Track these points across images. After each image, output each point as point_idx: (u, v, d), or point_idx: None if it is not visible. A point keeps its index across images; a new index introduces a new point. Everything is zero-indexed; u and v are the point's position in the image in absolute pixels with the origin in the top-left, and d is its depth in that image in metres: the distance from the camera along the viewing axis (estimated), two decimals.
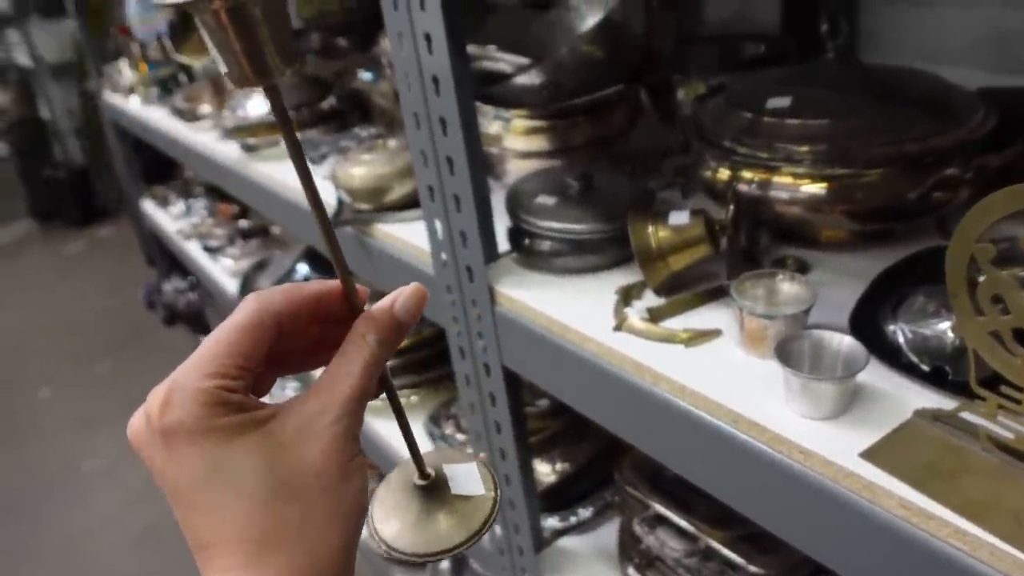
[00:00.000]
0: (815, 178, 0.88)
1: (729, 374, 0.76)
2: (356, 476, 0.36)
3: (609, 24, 1.18)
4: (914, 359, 0.74)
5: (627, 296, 0.89)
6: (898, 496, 0.62)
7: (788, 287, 0.80)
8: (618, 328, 0.84)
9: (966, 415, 0.66)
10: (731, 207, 0.86)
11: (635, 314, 0.85)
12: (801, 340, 0.72)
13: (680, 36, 1.47)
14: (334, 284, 0.39)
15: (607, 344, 0.82)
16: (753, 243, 0.92)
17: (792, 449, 0.67)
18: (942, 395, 0.70)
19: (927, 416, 0.68)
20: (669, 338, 0.81)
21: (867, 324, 0.79)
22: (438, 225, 1.01)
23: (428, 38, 0.92)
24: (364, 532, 0.39)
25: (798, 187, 0.88)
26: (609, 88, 1.18)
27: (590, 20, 1.32)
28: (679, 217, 0.87)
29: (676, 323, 0.84)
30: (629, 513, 1.08)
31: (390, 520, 0.42)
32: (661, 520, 1.02)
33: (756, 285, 0.80)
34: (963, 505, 0.60)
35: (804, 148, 0.88)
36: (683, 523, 0.99)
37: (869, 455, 0.66)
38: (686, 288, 0.89)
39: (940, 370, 0.72)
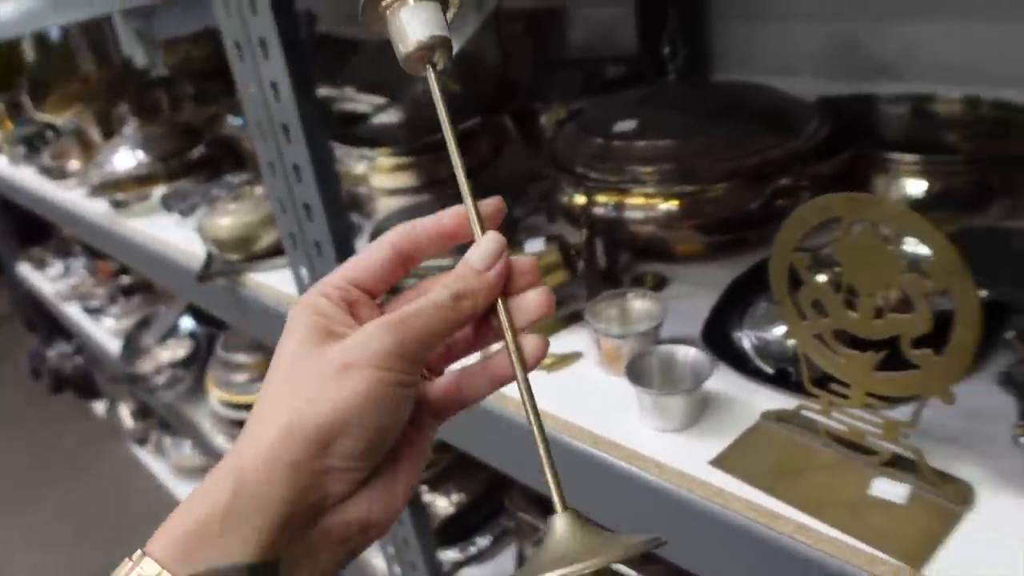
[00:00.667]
0: (664, 197, 0.91)
1: (589, 395, 0.78)
2: (354, 381, 0.34)
3: (463, 57, 1.20)
4: (760, 364, 0.77)
5: None
6: (745, 499, 0.64)
7: (640, 305, 0.82)
8: None
9: (806, 413, 0.69)
10: (584, 231, 0.89)
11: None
12: (651, 356, 0.75)
13: (541, 62, 1.51)
14: (454, 213, 0.40)
15: None
16: (612, 263, 0.95)
17: (648, 464, 0.69)
18: (787, 396, 0.73)
19: (772, 417, 0.71)
20: None
21: (718, 333, 0.82)
22: (303, 272, 1.00)
23: (275, 86, 0.92)
24: None
25: (649, 207, 0.92)
26: (469, 120, 1.20)
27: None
28: (534, 245, 0.89)
29: None
30: (524, 538, 1.09)
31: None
32: None
33: (610, 306, 0.82)
34: (805, 501, 0.63)
35: (651, 169, 0.92)
36: None
37: (719, 462, 0.68)
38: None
39: (784, 372, 0.76)
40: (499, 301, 0.38)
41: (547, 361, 0.82)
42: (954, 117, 1.09)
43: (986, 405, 0.66)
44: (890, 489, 0.64)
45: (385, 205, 1.22)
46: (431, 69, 0.42)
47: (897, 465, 0.64)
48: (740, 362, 0.78)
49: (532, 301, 0.38)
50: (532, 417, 0.38)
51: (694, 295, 0.91)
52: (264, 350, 1.48)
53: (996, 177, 0.94)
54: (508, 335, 0.38)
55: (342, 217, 0.95)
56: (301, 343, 0.36)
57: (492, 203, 0.39)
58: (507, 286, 0.38)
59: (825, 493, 0.64)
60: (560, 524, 0.36)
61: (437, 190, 1.22)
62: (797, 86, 1.06)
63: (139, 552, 0.34)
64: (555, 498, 0.37)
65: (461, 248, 0.39)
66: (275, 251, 1.19)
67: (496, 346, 0.40)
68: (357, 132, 1.15)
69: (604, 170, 0.95)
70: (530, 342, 0.38)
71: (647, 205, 0.93)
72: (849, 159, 0.94)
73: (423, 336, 0.36)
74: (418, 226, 0.39)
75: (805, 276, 0.63)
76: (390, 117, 1.12)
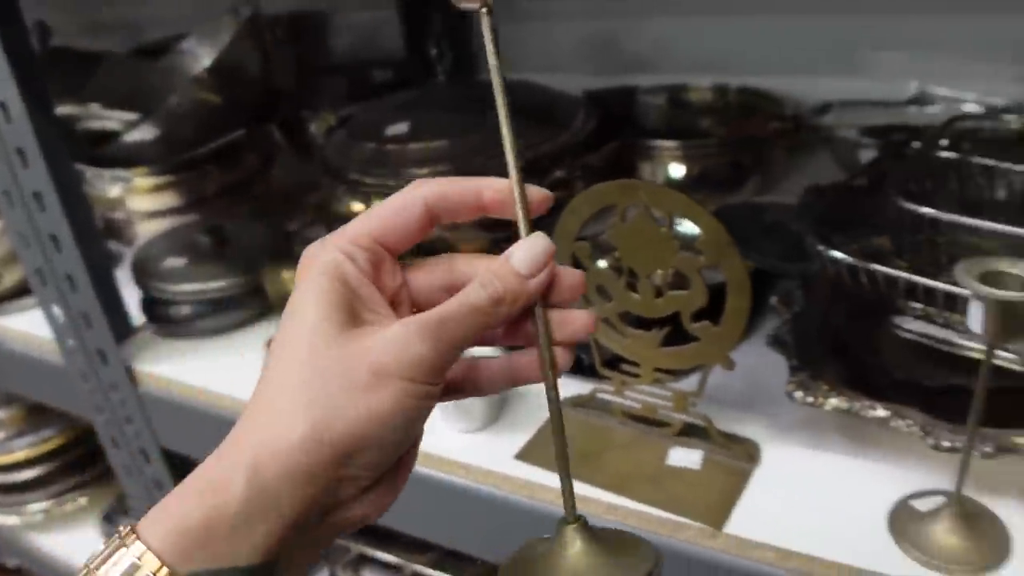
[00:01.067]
0: None
1: None
2: (384, 393, 0.31)
3: (221, 66, 1.13)
4: None
5: None
6: (554, 488, 0.64)
7: None
8: None
9: (601, 395, 0.71)
10: None
11: None
12: None
13: (306, 69, 1.45)
14: (504, 184, 0.36)
15: None
16: None
17: (454, 466, 0.68)
18: (582, 381, 0.75)
19: (569, 404, 0.73)
20: None
21: None
22: (56, 310, 0.90)
23: (3, 107, 0.81)
24: None
25: None
26: (232, 132, 1.13)
27: (207, 62, 1.26)
28: None
29: None
30: (333, 561, 1.05)
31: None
32: (365, 559, 1.00)
33: None
34: (609, 480, 0.65)
35: (427, 170, 0.90)
36: (387, 557, 0.98)
37: (523, 455, 0.69)
38: None
39: (576, 359, 0.77)
40: (536, 309, 0.35)
41: None
42: (706, 104, 1.17)
43: (760, 366, 0.71)
44: (685, 457, 0.66)
45: (146, 229, 1.12)
46: (486, 12, 0.37)
47: (690, 434, 0.67)
48: None
49: (578, 320, 0.36)
50: (556, 426, 0.37)
51: None
52: (22, 401, 1.31)
53: (747, 156, 1.02)
54: (543, 344, 0.35)
55: (97, 246, 0.86)
56: (322, 322, 0.32)
57: (542, 192, 0.36)
58: (547, 293, 0.35)
59: (627, 470, 0.66)
60: (570, 536, 0.36)
61: (204, 209, 1.14)
62: (563, 82, 1.09)
63: (129, 530, 0.31)
64: (565, 507, 0.37)
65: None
66: (21, 290, 1.06)
67: None
68: (108, 152, 1.05)
69: (380, 175, 0.92)
70: (559, 353, 0.36)
71: None
72: (616, 149, 0.98)
73: (458, 343, 0.33)
74: (455, 190, 0.36)
75: (587, 264, 0.64)
76: (144, 134, 1.03)
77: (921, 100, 1.11)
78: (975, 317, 0.48)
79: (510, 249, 0.35)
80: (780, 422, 0.69)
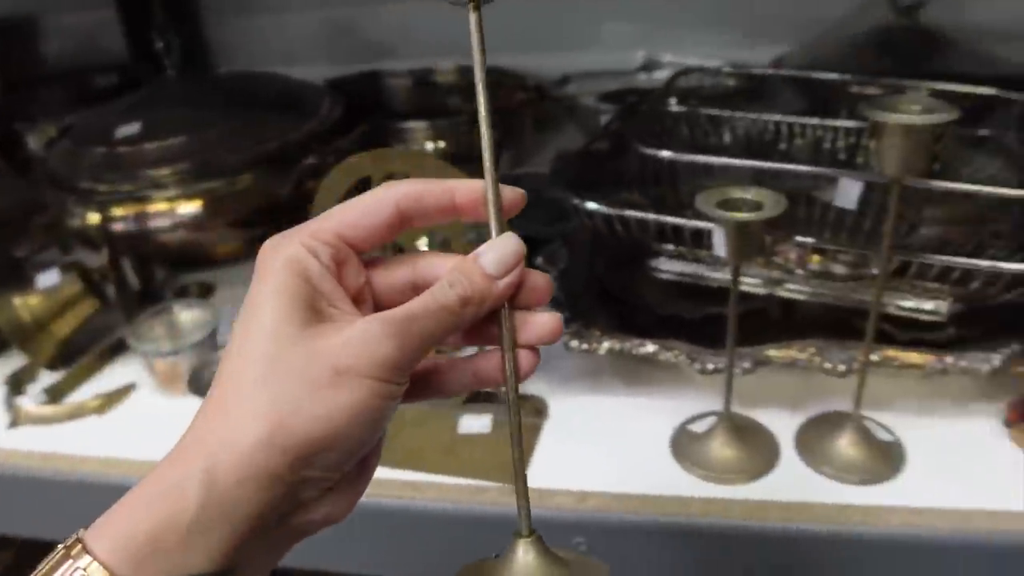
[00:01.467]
0: (187, 197, 0.84)
1: (154, 426, 0.69)
2: (347, 393, 0.29)
3: None
4: None
5: (18, 384, 0.75)
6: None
7: (189, 316, 0.75)
8: (15, 424, 0.71)
9: None
10: (106, 252, 0.78)
11: (32, 401, 0.73)
12: (214, 365, 0.69)
13: (16, 80, 1.31)
14: (478, 185, 0.34)
15: (5, 447, 0.69)
16: (148, 280, 0.86)
17: None
18: None
19: None
20: (78, 412, 0.71)
21: None
22: None
23: None
24: None
25: (173, 211, 0.84)
26: None
27: None
28: (48, 279, 0.76)
29: (86, 392, 0.74)
30: None
31: None
32: None
33: (155, 325, 0.74)
34: (404, 458, 0.63)
35: (167, 170, 0.84)
36: None
37: None
38: (87, 351, 0.79)
39: None
40: (502, 311, 0.33)
41: (95, 403, 0.71)
42: (452, 85, 1.19)
43: None
44: (475, 423, 0.66)
45: None
46: (473, 7, 0.34)
47: (476, 400, 0.68)
48: None
49: (544, 324, 0.34)
50: (515, 433, 0.35)
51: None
52: None
53: (497, 132, 1.04)
54: (507, 348, 0.34)
55: None
56: (283, 319, 0.30)
57: (516, 192, 0.34)
58: (514, 295, 0.34)
59: (420, 445, 0.65)
60: (522, 549, 0.35)
61: None
62: (306, 74, 1.06)
63: (75, 540, 0.28)
64: (522, 520, 0.35)
65: None
66: None
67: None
68: None
69: (114, 181, 0.85)
70: (524, 356, 0.34)
71: (170, 210, 0.85)
72: (366, 132, 0.96)
73: (425, 343, 0.31)
74: (428, 192, 0.34)
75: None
76: None
77: (649, 67, 1.19)
78: (718, 242, 0.52)
79: (480, 248, 0.33)
80: (562, 375, 0.71)
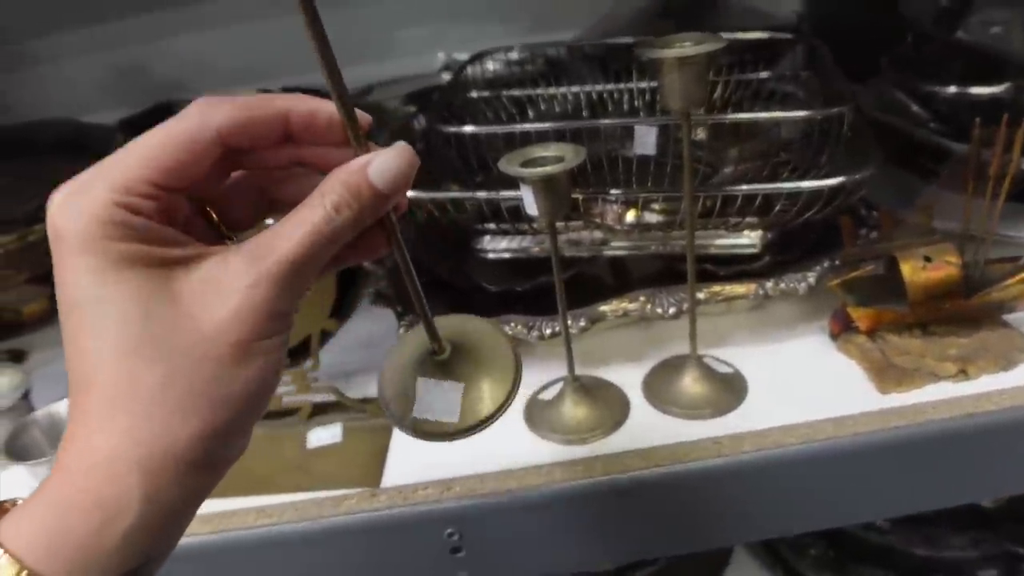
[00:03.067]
0: None
1: None
2: (255, 361, 0.28)
3: None
4: None
5: None
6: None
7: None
8: None
9: None
10: None
11: None
12: (32, 427, 0.63)
13: None
14: (316, 102, 0.30)
15: None
16: None
17: None
18: None
19: None
20: None
21: None
22: None
23: None
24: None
25: None
26: None
27: None
28: None
29: None
30: None
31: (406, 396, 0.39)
32: None
33: None
34: (254, 485, 0.60)
35: None
36: None
37: None
38: None
39: None
40: (389, 221, 0.32)
41: None
42: None
43: (374, 326, 0.71)
44: (325, 435, 0.64)
45: None
46: None
47: (324, 411, 0.65)
48: None
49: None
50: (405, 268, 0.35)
51: (62, 356, 0.79)
52: None
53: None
54: (398, 255, 0.33)
55: None
56: (148, 298, 0.27)
57: (364, 115, 0.30)
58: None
59: (269, 469, 0.61)
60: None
61: None
62: (98, 119, 1.00)
63: None
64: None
65: None
66: None
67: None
68: None
69: None
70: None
71: None
72: None
73: (310, 280, 0.29)
74: (255, 117, 0.29)
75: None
76: None
77: (451, 67, 1.20)
78: (528, 201, 0.52)
79: (365, 159, 0.29)
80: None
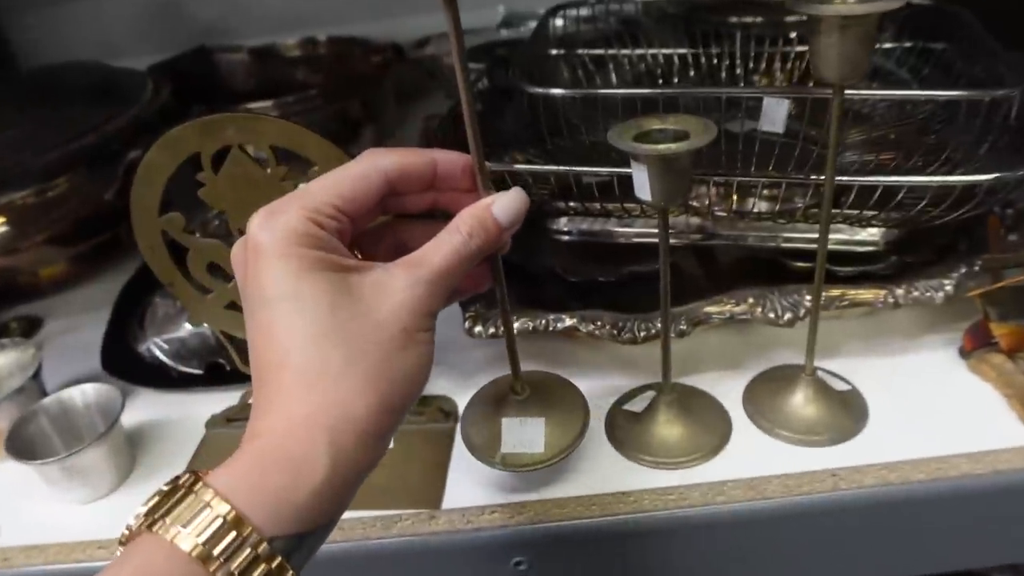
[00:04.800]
0: None
1: None
2: (418, 348, 0.34)
3: None
4: (184, 368, 0.63)
5: None
6: None
7: (5, 359, 0.61)
8: None
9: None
10: None
11: None
12: (39, 416, 0.55)
13: None
14: (456, 155, 0.38)
15: None
16: None
17: (80, 548, 0.51)
18: (231, 390, 0.61)
19: (220, 423, 0.58)
20: None
21: (121, 354, 0.65)
22: None
23: None
24: None
25: None
26: None
27: None
28: None
29: None
30: None
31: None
32: None
33: None
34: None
35: None
36: None
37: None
38: None
39: (216, 365, 0.62)
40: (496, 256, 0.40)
41: None
42: (296, 59, 1.06)
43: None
44: None
45: None
46: None
47: None
48: (160, 376, 0.63)
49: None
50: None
51: (81, 325, 0.71)
52: None
53: (354, 106, 0.93)
54: (499, 283, 0.41)
55: None
56: (331, 292, 0.33)
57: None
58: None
59: None
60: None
61: None
62: (131, 64, 0.91)
63: (191, 476, 0.31)
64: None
65: None
66: None
67: None
68: None
69: None
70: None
71: None
72: (202, 115, 0.83)
73: (451, 287, 0.36)
74: (412, 163, 0.37)
75: (185, 239, 0.50)
76: None
77: (510, 22, 1.10)
78: (640, 183, 0.43)
79: (492, 199, 0.37)
80: (469, 367, 0.61)
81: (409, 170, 0.36)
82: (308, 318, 0.32)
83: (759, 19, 0.76)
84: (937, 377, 0.56)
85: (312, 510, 0.31)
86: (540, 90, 0.54)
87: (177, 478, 0.31)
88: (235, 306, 0.52)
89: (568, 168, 0.52)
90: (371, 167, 0.36)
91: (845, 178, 0.50)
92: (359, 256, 0.37)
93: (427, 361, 0.34)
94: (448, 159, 0.37)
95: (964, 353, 0.56)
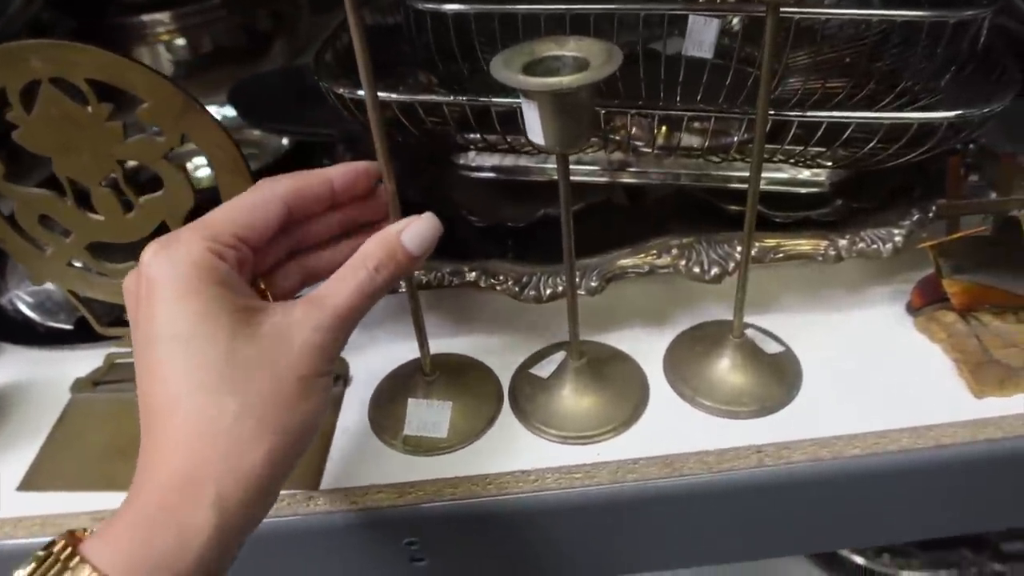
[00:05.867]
0: None
1: None
2: (315, 396, 0.33)
3: None
4: (50, 322, 0.56)
5: None
6: (72, 512, 0.45)
7: None
8: None
9: (121, 362, 0.51)
10: None
11: None
12: None
13: None
14: (351, 166, 0.37)
15: None
16: None
17: None
18: (87, 350, 0.54)
19: (86, 386, 0.52)
20: None
21: None
22: None
23: None
24: None
25: None
26: None
27: None
28: None
29: None
30: None
31: None
32: None
33: None
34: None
35: None
36: None
37: (29, 484, 0.47)
38: None
39: (85, 321, 0.55)
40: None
41: None
42: None
43: None
44: None
45: None
46: None
47: None
48: (24, 332, 0.56)
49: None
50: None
51: None
52: None
53: (264, 18, 0.84)
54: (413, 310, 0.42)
55: None
56: (228, 335, 0.31)
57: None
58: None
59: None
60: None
61: None
62: None
63: (66, 547, 0.29)
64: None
65: None
66: None
67: None
68: None
69: None
70: None
71: None
72: (75, 32, 0.73)
73: (355, 325, 0.35)
74: (308, 186, 0.36)
75: (7, 190, 0.42)
76: None
77: None
78: (532, 124, 0.36)
79: (400, 226, 0.36)
80: (366, 321, 0.54)
81: (305, 192, 0.36)
82: (202, 362, 0.31)
83: None
84: (881, 336, 0.50)
85: (199, 572, 0.30)
86: (429, 5, 0.45)
87: (52, 543, 0.29)
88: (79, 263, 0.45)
89: (448, 98, 0.45)
90: (267, 193, 0.35)
91: (782, 113, 0.43)
92: (263, 288, 0.36)
93: (323, 408, 0.33)
94: (343, 171, 0.37)
95: (912, 310, 0.51)
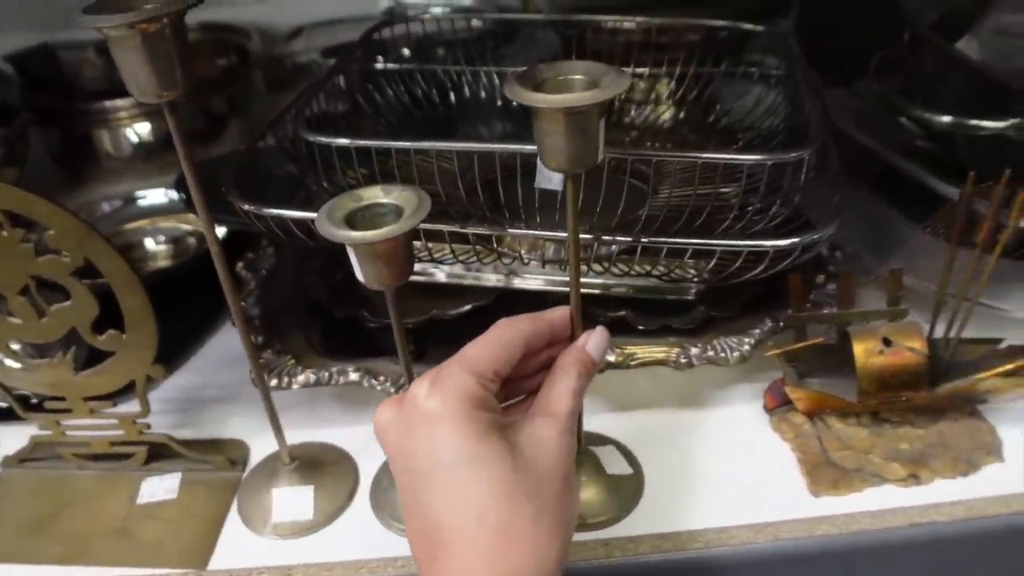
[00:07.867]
0: None
1: None
2: (574, 488, 0.38)
3: None
4: None
5: None
6: None
7: None
8: None
9: (46, 442, 0.56)
10: None
11: None
12: None
13: None
14: (562, 310, 0.41)
15: None
16: None
17: None
18: (18, 427, 0.58)
19: (14, 463, 0.57)
20: None
21: None
22: None
23: None
24: None
25: None
26: None
27: None
28: None
29: None
30: None
31: None
32: None
33: None
34: (67, 550, 0.51)
35: None
36: None
37: None
38: None
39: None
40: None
41: None
42: None
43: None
44: (160, 487, 0.54)
45: None
46: None
47: (163, 457, 0.55)
48: None
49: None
50: None
51: None
52: None
53: (218, 102, 0.89)
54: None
55: None
56: (507, 453, 0.35)
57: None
58: None
59: (88, 528, 0.52)
60: None
61: None
62: None
63: None
64: None
65: None
66: None
67: None
68: None
69: None
70: None
71: None
72: (41, 117, 0.79)
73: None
74: (538, 328, 0.40)
75: None
76: None
77: (395, 13, 1.05)
78: (356, 264, 0.40)
79: (583, 339, 0.41)
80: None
81: (537, 332, 0.40)
82: (497, 477, 0.34)
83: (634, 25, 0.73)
84: (741, 434, 0.55)
85: None
86: (322, 139, 0.51)
87: None
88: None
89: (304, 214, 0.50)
90: (510, 334, 0.39)
91: (598, 237, 0.48)
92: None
93: (578, 497, 0.39)
94: (559, 315, 0.41)
95: (767, 410, 0.55)
